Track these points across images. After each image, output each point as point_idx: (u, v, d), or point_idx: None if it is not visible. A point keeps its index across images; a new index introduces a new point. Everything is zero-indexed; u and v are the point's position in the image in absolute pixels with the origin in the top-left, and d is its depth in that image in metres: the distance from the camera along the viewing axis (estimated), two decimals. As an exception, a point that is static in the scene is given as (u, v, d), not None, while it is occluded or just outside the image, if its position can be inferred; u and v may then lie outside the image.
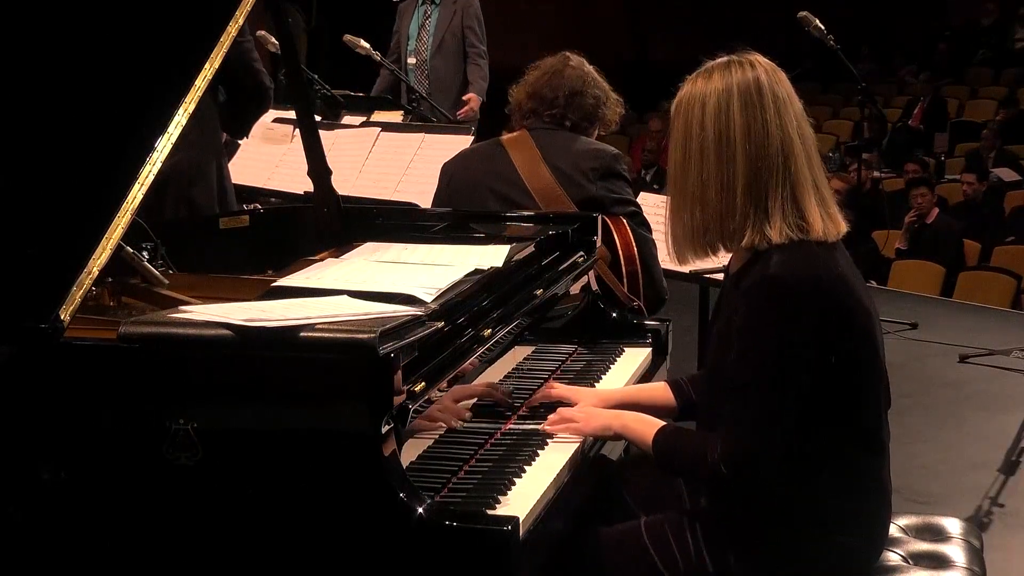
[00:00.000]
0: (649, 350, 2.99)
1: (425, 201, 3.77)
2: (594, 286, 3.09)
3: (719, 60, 2.24)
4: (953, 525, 2.50)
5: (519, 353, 2.67)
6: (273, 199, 4.20)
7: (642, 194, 4.02)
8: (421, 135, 4.36)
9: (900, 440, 2.69)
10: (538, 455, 2.21)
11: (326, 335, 1.86)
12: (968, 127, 12.13)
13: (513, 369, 2.62)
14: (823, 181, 2.22)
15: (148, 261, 2.46)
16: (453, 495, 2.03)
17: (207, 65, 2.26)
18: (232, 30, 2.33)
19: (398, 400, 1.87)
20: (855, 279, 2.18)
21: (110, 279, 2.40)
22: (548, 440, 2.29)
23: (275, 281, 2.30)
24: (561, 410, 2.38)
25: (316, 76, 5.60)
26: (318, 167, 2.91)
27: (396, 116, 5.39)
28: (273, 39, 5.11)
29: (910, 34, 15.02)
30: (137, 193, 2.10)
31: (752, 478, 2.11)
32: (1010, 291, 7.42)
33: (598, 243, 3.05)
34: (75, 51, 2.32)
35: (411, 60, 6.62)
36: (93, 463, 1.96)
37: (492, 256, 2.48)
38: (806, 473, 2.13)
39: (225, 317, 1.91)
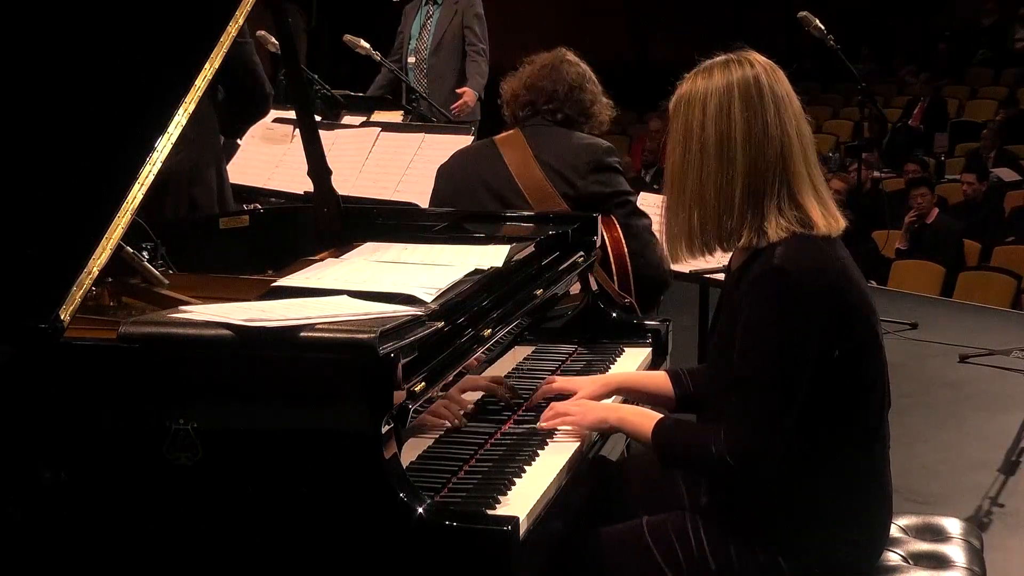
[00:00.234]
0: (649, 350, 2.99)
1: (425, 201, 3.77)
2: (594, 286, 3.10)
3: (717, 59, 2.23)
4: (953, 525, 2.50)
5: (519, 353, 2.67)
6: (273, 199, 4.20)
7: (642, 194, 4.01)
8: (421, 135, 4.36)
9: (900, 440, 2.69)
10: (538, 455, 2.21)
11: (326, 335, 1.86)
12: (968, 127, 12.13)
13: (513, 369, 2.63)
14: (820, 179, 2.22)
15: (148, 261, 2.46)
16: (453, 495, 2.03)
17: (207, 65, 2.26)
18: (232, 30, 2.33)
19: (398, 400, 1.87)
20: (857, 275, 2.19)
21: (110, 279, 2.40)
22: (548, 440, 2.29)
23: (275, 281, 2.30)
24: (555, 404, 2.38)
25: (316, 76, 5.60)
26: (318, 167, 2.91)
27: (396, 116, 5.39)
28: (273, 39, 5.11)
29: (910, 34, 15.02)
30: (137, 193, 2.10)
31: (757, 471, 2.11)
32: (1010, 291, 7.42)
33: (598, 243, 3.05)
34: (75, 51, 2.32)
35: (411, 59, 6.62)
36: (93, 463, 1.96)
37: (492, 256, 2.48)
38: (808, 469, 2.13)
39: (225, 317, 1.91)
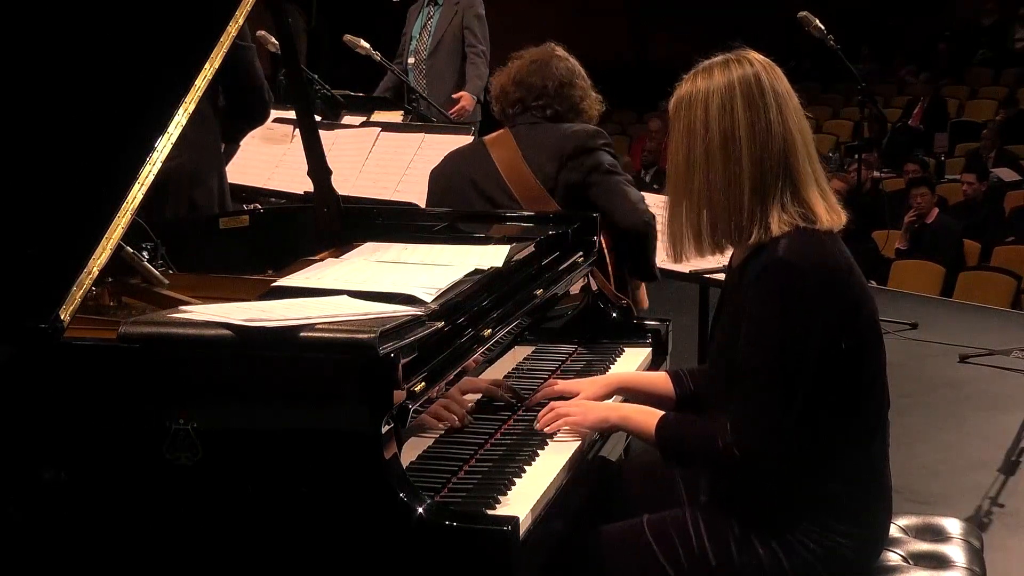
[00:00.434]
0: (649, 350, 2.99)
1: (424, 201, 3.77)
2: (594, 286, 3.09)
3: (716, 59, 2.24)
4: (953, 525, 2.50)
5: (519, 353, 2.67)
6: (273, 199, 4.20)
7: (642, 194, 4.01)
8: (421, 135, 4.37)
9: (900, 440, 2.69)
10: (538, 455, 2.21)
11: (326, 335, 1.86)
12: (968, 127, 12.13)
13: (513, 369, 2.63)
14: (822, 174, 2.23)
15: (148, 261, 2.46)
16: (453, 495, 2.03)
17: (207, 65, 2.26)
18: (232, 30, 2.33)
19: (398, 400, 1.87)
20: (859, 271, 2.21)
21: (110, 279, 2.40)
22: (548, 440, 2.29)
23: (275, 281, 2.30)
24: (554, 404, 2.38)
25: (316, 76, 5.60)
26: (318, 167, 2.91)
27: (396, 116, 5.39)
28: (273, 39, 5.11)
29: (910, 34, 15.01)
30: (137, 193, 2.10)
31: (765, 461, 2.12)
32: (1010, 291, 7.42)
33: (597, 243, 3.05)
34: (75, 51, 2.32)
35: (411, 60, 6.62)
36: (93, 463, 1.96)
37: (492, 256, 2.48)
38: (809, 464, 2.14)
39: (225, 317, 1.91)
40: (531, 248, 2.71)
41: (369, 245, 2.68)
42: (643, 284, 3.59)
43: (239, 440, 1.90)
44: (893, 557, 2.34)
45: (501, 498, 1.99)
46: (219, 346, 1.89)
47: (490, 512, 1.93)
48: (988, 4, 14.44)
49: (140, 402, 1.91)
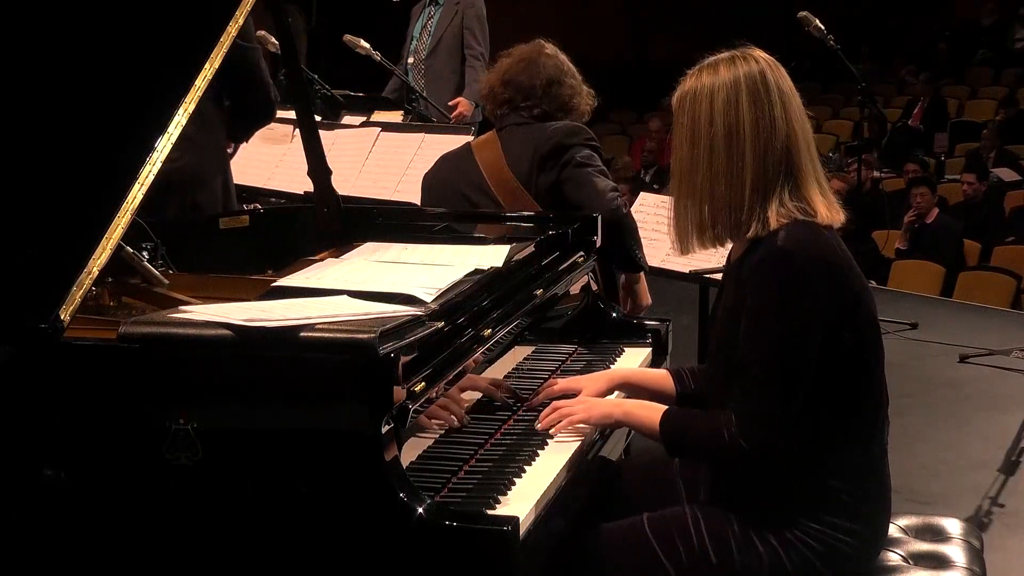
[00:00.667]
0: (649, 350, 2.99)
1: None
2: (594, 286, 3.09)
3: (721, 55, 2.25)
4: (953, 525, 2.50)
5: (519, 353, 2.67)
6: (273, 199, 4.20)
7: (642, 194, 4.02)
8: (421, 135, 4.37)
9: (900, 440, 2.69)
10: (538, 455, 2.21)
11: (326, 335, 1.86)
12: (968, 127, 12.13)
13: (513, 369, 2.63)
14: (822, 173, 2.25)
15: (148, 261, 2.46)
16: (453, 495, 2.03)
17: (207, 65, 2.27)
18: (232, 30, 2.33)
19: (398, 400, 1.87)
20: (857, 266, 2.21)
21: (110, 279, 2.40)
22: (548, 440, 2.29)
23: (275, 281, 2.30)
24: (556, 403, 2.38)
25: (316, 76, 5.60)
26: (318, 167, 2.91)
27: (396, 116, 5.39)
28: (273, 39, 5.10)
29: (910, 34, 15.01)
30: (137, 193, 2.10)
31: (772, 451, 2.12)
32: (1010, 291, 7.42)
33: (598, 243, 3.05)
34: (75, 51, 2.32)
35: (410, 60, 6.62)
36: (93, 463, 1.96)
37: (492, 256, 2.48)
38: (810, 460, 2.15)
39: (225, 317, 1.91)
40: (531, 248, 2.72)
41: (369, 245, 2.68)
42: (641, 279, 3.58)
43: (239, 440, 1.90)
44: (893, 557, 2.34)
45: (501, 498, 1.99)
46: (219, 346, 1.89)
47: (490, 512, 1.93)
48: (988, 4, 14.44)
49: (140, 402, 1.92)
